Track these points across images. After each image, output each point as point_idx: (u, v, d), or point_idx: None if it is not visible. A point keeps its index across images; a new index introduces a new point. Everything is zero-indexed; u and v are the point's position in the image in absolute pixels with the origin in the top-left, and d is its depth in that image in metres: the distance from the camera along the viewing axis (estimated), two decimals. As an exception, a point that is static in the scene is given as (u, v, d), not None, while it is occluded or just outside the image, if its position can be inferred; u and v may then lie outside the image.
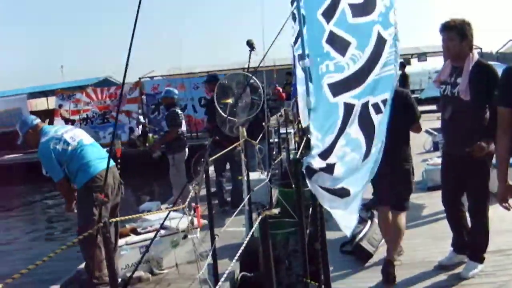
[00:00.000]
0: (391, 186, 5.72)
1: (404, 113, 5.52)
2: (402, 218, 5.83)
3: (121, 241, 6.60)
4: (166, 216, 5.34)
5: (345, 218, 3.54)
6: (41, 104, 29.85)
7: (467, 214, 5.73)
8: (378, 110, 3.52)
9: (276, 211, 3.36)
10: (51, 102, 27.34)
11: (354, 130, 3.42)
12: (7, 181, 19.74)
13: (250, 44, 7.25)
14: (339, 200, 3.43)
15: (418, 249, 6.56)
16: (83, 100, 24.23)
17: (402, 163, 5.73)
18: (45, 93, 28.51)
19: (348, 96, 3.38)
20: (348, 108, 3.38)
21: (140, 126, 23.25)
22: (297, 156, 4.26)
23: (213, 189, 11.13)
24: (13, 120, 24.47)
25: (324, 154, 3.30)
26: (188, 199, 5.19)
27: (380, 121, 3.53)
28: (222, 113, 8.26)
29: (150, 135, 21.22)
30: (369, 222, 7.03)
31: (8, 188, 19.88)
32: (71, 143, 6.01)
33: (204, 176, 5.31)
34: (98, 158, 6.08)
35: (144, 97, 23.49)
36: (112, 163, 6.02)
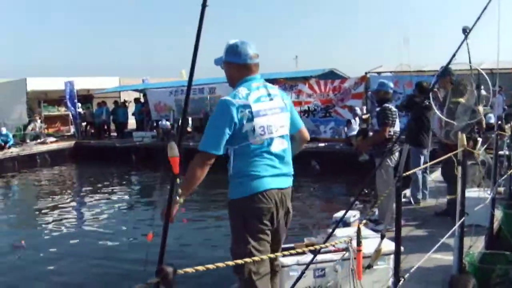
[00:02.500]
0: None
1: None
2: None
3: (292, 259, 5.58)
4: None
5: None
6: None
7: None
8: None
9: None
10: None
11: None
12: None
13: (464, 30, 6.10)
14: None
15: None
16: (305, 92, 24.19)
17: None
18: (270, 82, 28.81)
19: None
20: None
21: (357, 119, 22.54)
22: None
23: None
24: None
25: None
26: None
27: None
28: (440, 115, 7.27)
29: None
30: None
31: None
32: (256, 134, 4.25)
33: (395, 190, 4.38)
34: (275, 174, 4.37)
35: (369, 93, 22.73)
36: (288, 183, 4.49)
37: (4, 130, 27.31)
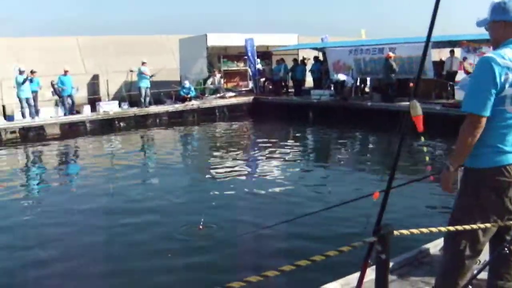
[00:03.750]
0: None
1: None
2: None
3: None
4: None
5: None
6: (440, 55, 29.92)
7: None
8: None
9: None
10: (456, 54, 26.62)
11: None
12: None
13: None
14: None
15: None
16: (490, 54, 23.08)
17: None
18: (452, 43, 27.77)
19: None
20: None
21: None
22: None
23: None
24: (413, 68, 24.47)
25: None
26: None
27: None
28: None
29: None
30: None
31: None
32: None
33: None
34: None
35: None
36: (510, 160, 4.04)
37: (187, 83, 29.11)
